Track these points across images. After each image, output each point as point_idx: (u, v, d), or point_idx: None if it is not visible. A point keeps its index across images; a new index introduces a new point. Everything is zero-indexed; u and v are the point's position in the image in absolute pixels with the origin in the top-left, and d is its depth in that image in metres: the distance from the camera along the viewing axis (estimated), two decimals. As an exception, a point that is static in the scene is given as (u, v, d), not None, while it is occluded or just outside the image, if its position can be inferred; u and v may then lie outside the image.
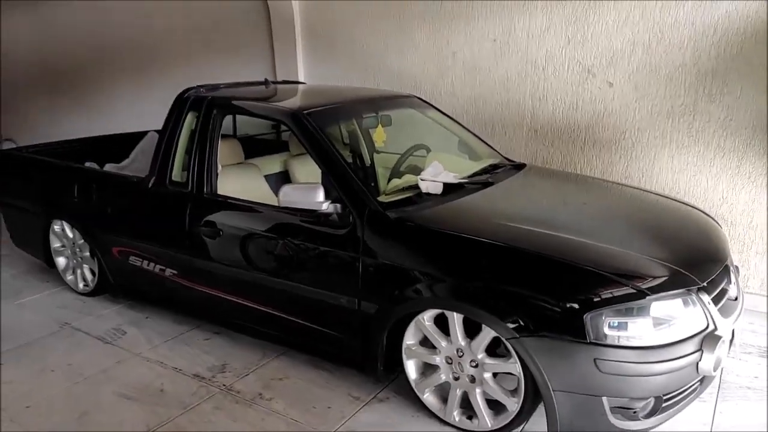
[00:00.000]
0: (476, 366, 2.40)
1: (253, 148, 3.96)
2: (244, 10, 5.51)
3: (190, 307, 3.48)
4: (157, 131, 3.89)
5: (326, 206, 2.62)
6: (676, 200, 3.13)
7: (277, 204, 2.78)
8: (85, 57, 7.31)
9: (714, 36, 3.42)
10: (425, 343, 2.56)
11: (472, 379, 2.43)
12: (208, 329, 3.53)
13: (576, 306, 2.09)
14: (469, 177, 3.06)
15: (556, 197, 3.09)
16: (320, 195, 2.60)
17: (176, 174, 3.27)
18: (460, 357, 2.43)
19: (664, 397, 2.19)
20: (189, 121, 3.25)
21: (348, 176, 2.71)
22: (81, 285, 4.10)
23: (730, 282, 2.50)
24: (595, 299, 2.09)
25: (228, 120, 3.46)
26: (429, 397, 2.61)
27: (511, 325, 2.18)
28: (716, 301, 2.29)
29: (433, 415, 2.61)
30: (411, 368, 2.62)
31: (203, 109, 3.20)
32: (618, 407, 2.17)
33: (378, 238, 2.54)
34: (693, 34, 3.48)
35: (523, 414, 2.36)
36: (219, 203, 3.09)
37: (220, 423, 2.65)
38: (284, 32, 5.21)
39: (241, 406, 2.78)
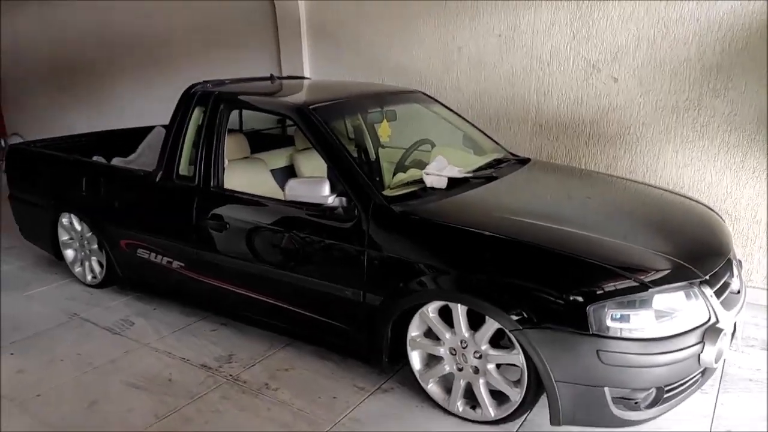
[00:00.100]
0: (480, 357, 2.43)
1: (259, 142, 3.99)
2: (249, 7, 5.53)
3: (197, 298, 3.52)
4: (163, 126, 3.93)
5: (332, 200, 2.65)
6: (680, 195, 3.15)
7: (282, 198, 2.81)
8: (92, 54, 7.36)
9: (719, 31, 3.42)
10: (429, 334, 2.60)
11: (476, 370, 2.46)
12: (215, 320, 3.57)
13: (579, 298, 2.11)
14: (474, 171, 3.08)
15: (560, 192, 3.11)
16: (326, 189, 2.63)
17: (183, 168, 3.31)
18: (464, 348, 2.46)
19: (666, 388, 2.22)
20: (196, 116, 3.29)
21: (353, 170, 2.73)
22: (89, 277, 4.15)
23: (732, 275, 2.52)
24: (598, 292, 2.11)
25: (234, 115, 3.49)
26: (433, 388, 2.64)
27: (515, 317, 2.21)
28: (719, 294, 2.31)
29: (436, 405, 2.64)
30: (415, 359, 2.65)
31: (210, 104, 3.23)
32: (620, 398, 2.20)
33: (383, 232, 2.57)
34: (698, 29, 3.49)
35: (526, 404, 2.39)
36: (226, 197, 3.12)
37: (227, 412, 2.69)
38: (289, 27, 5.23)
39: (247, 395, 2.82)
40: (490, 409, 2.47)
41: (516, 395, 2.38)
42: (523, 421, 2.54)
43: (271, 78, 3.79)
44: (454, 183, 2.87)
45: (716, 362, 2.19)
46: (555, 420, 2.26)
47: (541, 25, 4.02)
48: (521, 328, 2.20)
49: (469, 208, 2.71)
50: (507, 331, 2.27)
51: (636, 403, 2.22)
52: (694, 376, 2.29)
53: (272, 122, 4.56)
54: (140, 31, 6.65)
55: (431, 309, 2.49)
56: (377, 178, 2.97)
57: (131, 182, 3.65)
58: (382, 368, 2.78)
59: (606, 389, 2.16)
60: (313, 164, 3.75)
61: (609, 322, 2.09)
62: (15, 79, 8.78)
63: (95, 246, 3.98)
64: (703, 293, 2.22)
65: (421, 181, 2.87)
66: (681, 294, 2.19)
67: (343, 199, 2.67)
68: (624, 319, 2.10)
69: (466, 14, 4.32)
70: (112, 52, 7.09)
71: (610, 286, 2.12)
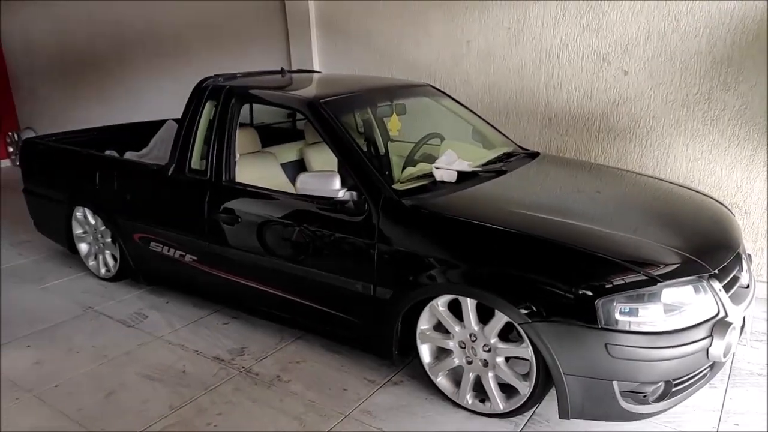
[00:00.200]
0: (489, 350, 2.45)
1: (270, 136, 4.02)
2: (259, 4, 5.55)
3: (209, 292, 3.56)
4: (175, 120, 3.97)
5: (342, 194, 2.68)
6: (689, 189, 3.14)
7: (293, 192, 2.83)
8: (103, 49, 7.41)
9: (730, 23, 3.40)
10: (439, 327, 2.62)
11: (485, 363, 2.48)
12: (227, 314, 3.62)
13: (588, 292, 2.13)
14: (483, 165, 3.09)
15: (569, 185, 3.12)
16: (337, 183, 2.66)
17: (195, 162, 3.35)
18: (473, 342, 2.49)
19: (674, 382, 2.23)
20: (207, 110, 3.32)
21: (364, 164, 2.76)
22: (103, 270, 4.20)
23: (741, 270, 2.52)
24: (607, 285, 2.12)
25: (244, 109, 3.52)
26: (442, 381, 2.67)
27: (524, 311, 2.23)
28: (728, 288, 2.32)
29: (446, 398, 2.67)
30: (425, 352, 2.68)
31: (221, 98, 3.26)
32: (628, 391, 2.21)
33: (393, 225, 2.59)
34: (709, 21, 3.47)
35: (535, 397, 2.41)
36: (237, 191, 3.16)
37: (240, 403, 2.74)
38: (299, 22, 5.24)
39: (260, 387, 2.87)
40: (499, 402, 2.49)
41: (525, 388, 2.40)
42: (532, 414, 2.56)
43: (282, 72, 3.82)
44: (464, 177, 2.88)
45: (725, 356, 2.20)
46: (564, 413, 2.28)
47: (551, 18, 4.01)
48: (530, 321, 2.22)
49: (479, 202, 2.73)
50: (516, 324, 2.29)
51: (644, 396, 2.23)
52: (703, 370, 2.30)
53: (281, 116, 4.59)
54: (151, 26, 6.69)
55: (441, 302, 2.51)
56: (387, 172, 2.99)
57: (144, 176, 3.69)
58: (392, 361, 2.81)
59: (614, 383, 2.17)
60: (323, 158, 3.78)
61: (618, 316, 2.11)
62: (27, 74, 8.86)
63: (109, 239, 4.03)
64: (711, 287, 2.23)
65: (430, 175, 2.89)
66: (690, 288, 2.19)
67: (354, 193, 2.69)
68: (633, 312, 2.11)
69: (475, 7, 4.32)
70: (123, 46, 7.14)
71: (618, 280, 2.13)
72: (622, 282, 2.13)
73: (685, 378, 2.25)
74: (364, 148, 3.18)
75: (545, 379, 2.33)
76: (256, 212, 3.06)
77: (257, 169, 3.40)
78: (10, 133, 9.01)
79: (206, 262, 3.37)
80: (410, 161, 3.27)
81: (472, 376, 2.54)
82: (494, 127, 3.71)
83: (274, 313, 3.24)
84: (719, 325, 2.18)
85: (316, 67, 5.25)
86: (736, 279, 2.43)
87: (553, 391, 2.35)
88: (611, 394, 2.19)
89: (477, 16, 4.32)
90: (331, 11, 5.08)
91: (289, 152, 3.93)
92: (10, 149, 9.02)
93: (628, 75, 3.81)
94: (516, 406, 2.47)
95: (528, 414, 2.55)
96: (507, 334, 2.43)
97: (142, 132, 4.80)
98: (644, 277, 2.14)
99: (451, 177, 2.85)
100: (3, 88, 9.13)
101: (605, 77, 3.90)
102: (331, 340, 3.13)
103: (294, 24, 5.29)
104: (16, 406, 2.79)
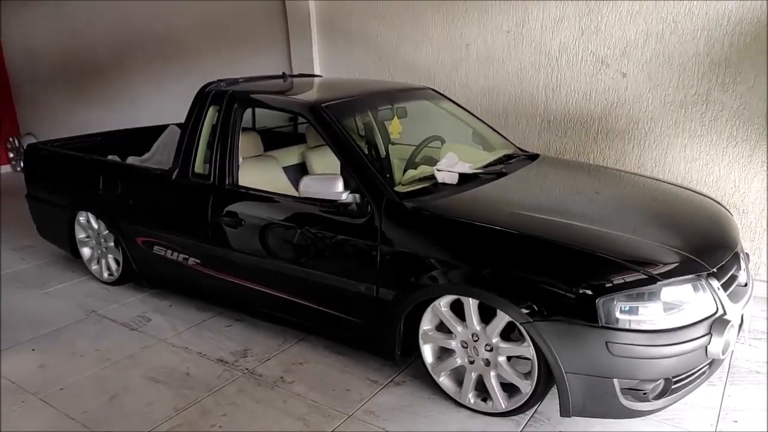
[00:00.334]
0: (491, 350, 2.48)
1: (271, 140, 4.05)
2: (260, 4, 5.59)
3: (212, 295, 3.59)
4: (177, 125, 3.99)
5: (345, 196, 2.70)
6: (688, 189, 3.18)
7: (295, 194, 2.86)
8: (104, 53, 7.45)
9: (727, 25, 3.44)
10: (441, 328, 2.65)
11: (487, 363, 2.51)
12: (230, 316, 3.64)
13: (588, 291, 2.16)
14: (484, 167, 3.12)
15: (569, 187, 3.15)
16: (339, 185, 2.69)
17: (199, 166, 3.37)
18: (475, 341, 2.51)
19: (674, 380, 2.26)
20: (210, 114, 3.35)
21: (366, 167, 2.78)
22: (106, 274, 4.22)
23: (740, 268, 2.55)
24: (607, 285, 2.15)
25: (246, 113, 3.54)
26: (445, 380, 2.69)
27: (525, 310, 2.25)
28: (726, 286, 2.35)
29: (448, 397, 2.69)
30: (427, 352, 2.71)
31: (224, 103, 3.29)
32: (628, 389, 2.23)
33: (395, 227, 2.62)
34: (706, 23, 3.50)
35: (537, 396, 2.43)
36: (240, 194, 3.18)
37: (244, 405, 2.76)
38: (300, 25, 5.28)
39: (263, 388, 2.89)
40: (501, 401, 2.52)
41: (526, 387, 2.43)
42: (534, 412, 2.59)
43: (284, 76, 3.85)
44: (465, 179, 2.91)
45: (723, 354, 2.22)
46: (565, 411, 2.31)
47: (550, 21, 4.04)
48: (531, 320, 2.25)
49: (480, 203, 2.75)
50: (517, 324, 2.31)
51: (644, 394, 2.26)
52: (702, 368, 2.33)
53: (283, 120, 4.62)
54: (152, 30, 6.73)
55: (443, 303, 2.54)
56: (389, 175, 3.01)
57: (147, 181, 3.72)
58: (395, 361, 2.83)
59: (615, 380, 2.20)
60: (324, 161, 3.81)
61: (618, 315, 2.13)
62: (28, 79, 8.89)
63: (112, 244, 4.05)
64: (710, 286, 2.26)
65: (432, 177, 2.92)
66: (689, 286, 2.22)
67: (357, 195, 2.72)
68: (632, 311, 2.14)
69: (474, 10, 4.35)
70: (124, 51, 7.17)
71: (618, 279, 2.16)
72: (622, 281, 2.16)
73: (684, 375, 2.28)
74: (366, 151, 3.21)
75: (547, 378, 2.36)
76: (259, 215, 3.09)
77: (260, 173, 3.43)
78: (10, 139, 9.03)
79: (209, 265, 3.40)
80: (411, 164, 3.30)
81: (474, 375, 2.57)
82: (494, 130, 3.74)
83: (276, 315, 3.26)
84: (718, 322, 2.21)
85: (316, 68, 5.29)
86: (734, 277, 2.46)
87: (554, 390, 2.37)
88: (612, 391, 2.21)
89: (476, 19, 4.36)
90: (332, 15, 5.12)
91: (290, 156, 3.96)
92: (11, 155, 9.04)
93: (627, 77, 3.84)
94: (518, 405, 2.49)
95: (530, 412, 2.58)
96: (509, 333, 2.46)
97: (144, 137, 4.82)
98: (644, 276, 2.17)
99: (453, 179, 2.88)
100: (4, 94, 9.16)
101: (604, 79, 3.93)
102: (333, 342, 3.16)
103: (294, 24, 5.33)
104: (21, 409, 2.81)
